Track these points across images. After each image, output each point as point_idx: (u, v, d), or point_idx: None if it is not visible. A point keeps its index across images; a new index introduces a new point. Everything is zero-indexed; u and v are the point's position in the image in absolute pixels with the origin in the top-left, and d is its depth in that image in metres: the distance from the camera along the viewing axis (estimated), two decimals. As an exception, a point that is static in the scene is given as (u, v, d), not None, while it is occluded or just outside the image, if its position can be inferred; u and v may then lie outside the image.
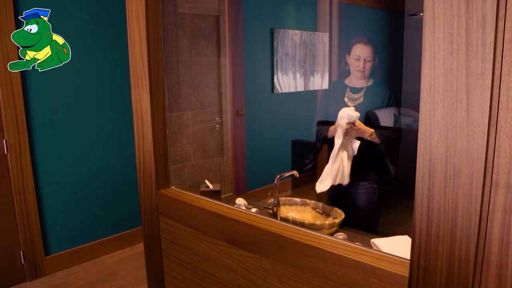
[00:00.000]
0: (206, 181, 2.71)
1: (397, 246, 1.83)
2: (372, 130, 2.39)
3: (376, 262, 1.49)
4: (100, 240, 3.94)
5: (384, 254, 1.55)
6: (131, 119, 2.54)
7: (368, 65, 2.49)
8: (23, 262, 3.46)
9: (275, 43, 4.61)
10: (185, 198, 2.34)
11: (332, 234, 2.01)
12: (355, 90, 2.58)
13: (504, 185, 1.09)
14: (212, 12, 3.00)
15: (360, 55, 2.48)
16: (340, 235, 1.99)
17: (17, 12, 3.14)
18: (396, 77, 3.65)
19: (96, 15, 3.63)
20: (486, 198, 1.13)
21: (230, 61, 3.15)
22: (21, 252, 3.43)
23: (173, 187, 2.53)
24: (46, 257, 3.58)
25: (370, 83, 2.55)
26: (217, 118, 3.08)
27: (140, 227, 4.11)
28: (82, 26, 3.55)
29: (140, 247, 4.10)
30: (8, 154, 3.24)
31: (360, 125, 2.36)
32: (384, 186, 2.65)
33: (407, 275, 1.36)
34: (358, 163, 2.44)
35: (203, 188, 2.62)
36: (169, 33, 2.69)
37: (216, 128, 3.08)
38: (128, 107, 3.82)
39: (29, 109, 3.33)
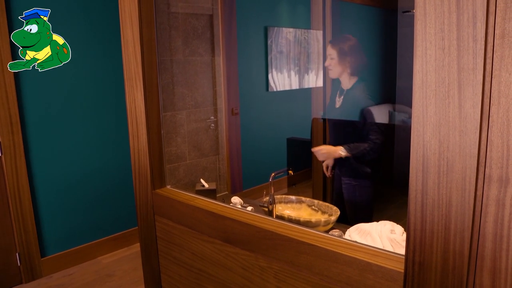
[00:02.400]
0: (202, 180, 2.71)
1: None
2: (339, 147, 2.52)
3: (371, 258, 1.49)
4: (97, 241, 3.94)
5: (380, 250, 1.56)
6: (126, 120, 2.54)
7: (333, 63, 2.56)
8: (19, 264, 3.45)
9: (269, 42, 4.61)
10: (180, 198, 2.34)
11: (327, 231, 2.02)
12: (341, 92, 2.65)
13: (497, 179, 1.10)
14: (206, 11, 3.00)
15: (328, 54, 2.57)
16: (336, 232, 1.99)
17: (9, 13, 3.13)
18: (390, 74, 3.66)
19: (91, 15, 3.62)
20: (479, 192, 1.14)
21: (224, 60, 3.15)
22: (17, 254, 3.42)
23: (168, 187, 2.53)
24: (42, 259, 3.58)
25: (350, 85, 2.60)
26: (212, 117, 3.08)
27: (136, 227, 4.11)
28: (76, 27, 3.54)
29: (136, 247, 4.10)
30: (3, 156, 3.23)
31: (324, 149, 2.57)
32: (374, 183, 2.67)
33: (403, 271, 1.37)
34: (345, 161, 2.52)
35: (198, 187, 2.63)
36: (163, 32, 2.69)
37: (211, 127, 3.08)
38: (123, 107, 3.82)
39: (23, 110, 3.32)
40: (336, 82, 2.67)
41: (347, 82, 2.59)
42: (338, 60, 2.54)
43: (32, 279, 3.52)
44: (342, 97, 2.64)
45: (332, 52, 2.55)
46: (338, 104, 2.66)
